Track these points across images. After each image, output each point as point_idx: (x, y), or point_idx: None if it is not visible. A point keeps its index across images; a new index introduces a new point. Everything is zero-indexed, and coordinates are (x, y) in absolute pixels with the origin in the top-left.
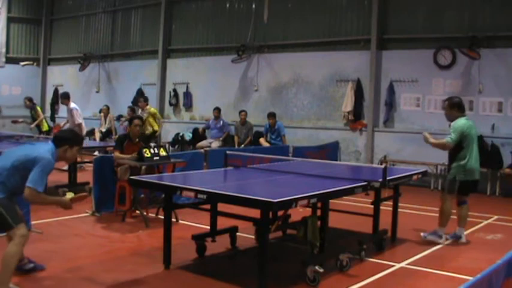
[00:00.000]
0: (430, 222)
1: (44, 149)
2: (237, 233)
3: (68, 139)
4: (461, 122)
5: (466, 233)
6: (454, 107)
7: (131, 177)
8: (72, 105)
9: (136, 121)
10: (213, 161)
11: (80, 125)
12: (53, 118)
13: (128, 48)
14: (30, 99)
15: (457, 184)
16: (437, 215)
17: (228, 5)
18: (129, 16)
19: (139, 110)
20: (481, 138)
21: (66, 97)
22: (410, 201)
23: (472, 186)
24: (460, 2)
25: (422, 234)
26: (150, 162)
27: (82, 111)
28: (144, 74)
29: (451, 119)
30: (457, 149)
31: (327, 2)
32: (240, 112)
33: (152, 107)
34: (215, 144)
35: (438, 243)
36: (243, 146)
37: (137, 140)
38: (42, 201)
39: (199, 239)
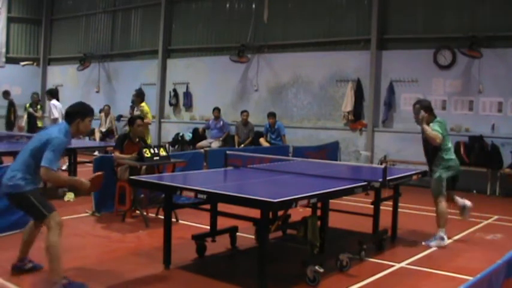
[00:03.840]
0: (430, 222)
1: (55, 129)
2: (237, 233)
3: (77, 112)
4: (439, 124)
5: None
6: (428, 110)
7: (131, 177)
8: (53, 101)
9: (138, 121)
10: (213, 161)
11: (56, 120)
12: None
13: (128, 48)
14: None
15: (444, 182)
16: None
17: (228, 5)
18: (129, 16)
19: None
20: (481, 138)
21: (48, 93)
22: (410, 201)
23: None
24: (460, 2)
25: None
26: (150, 162)
27: None
28: (144, 74)
29: (428, 122)
30: (436, 150)
31: (327, 2)
32: (242, 112)
33: (146, 105)
34: (215, 144)
35: (443, 246)
36: (243, 146)
37: (137, 140)
38: (57, 180)
39: (199, 239)
